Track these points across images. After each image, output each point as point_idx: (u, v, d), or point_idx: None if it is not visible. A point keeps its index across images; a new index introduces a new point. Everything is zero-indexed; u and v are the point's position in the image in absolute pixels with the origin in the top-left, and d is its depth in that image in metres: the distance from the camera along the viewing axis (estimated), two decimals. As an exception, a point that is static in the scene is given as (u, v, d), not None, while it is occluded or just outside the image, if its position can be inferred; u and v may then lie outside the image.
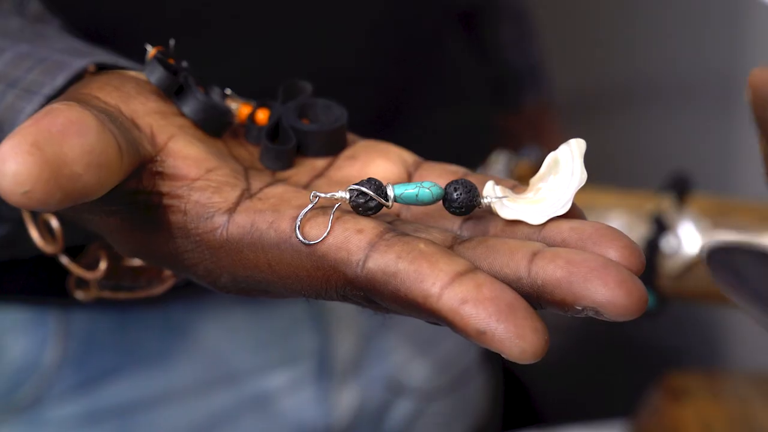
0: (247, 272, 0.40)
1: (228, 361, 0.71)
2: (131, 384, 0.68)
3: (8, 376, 0.65)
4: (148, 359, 0.68)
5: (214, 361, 0.70)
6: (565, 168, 0.41)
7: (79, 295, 0.52)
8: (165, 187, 0.41)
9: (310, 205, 0.39)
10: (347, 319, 0.74)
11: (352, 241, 0.38)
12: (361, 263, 0.37)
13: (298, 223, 0.39)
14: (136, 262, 0.50)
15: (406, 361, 0.79)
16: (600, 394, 1.39)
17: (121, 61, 0.47)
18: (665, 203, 0.89)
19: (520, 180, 0.61)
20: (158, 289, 0.51)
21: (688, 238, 0.88)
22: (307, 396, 0.74)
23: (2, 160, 0.35)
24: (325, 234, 0.38)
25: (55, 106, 0.37)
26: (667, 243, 0.88)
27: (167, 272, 0.51)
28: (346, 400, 0.75)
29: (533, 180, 0.42)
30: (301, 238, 0.38)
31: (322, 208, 0.40)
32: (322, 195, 0.39)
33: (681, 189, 0.89)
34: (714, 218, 0.91)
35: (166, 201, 0.41)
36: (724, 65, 1.36)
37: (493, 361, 0.92)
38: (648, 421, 0.97)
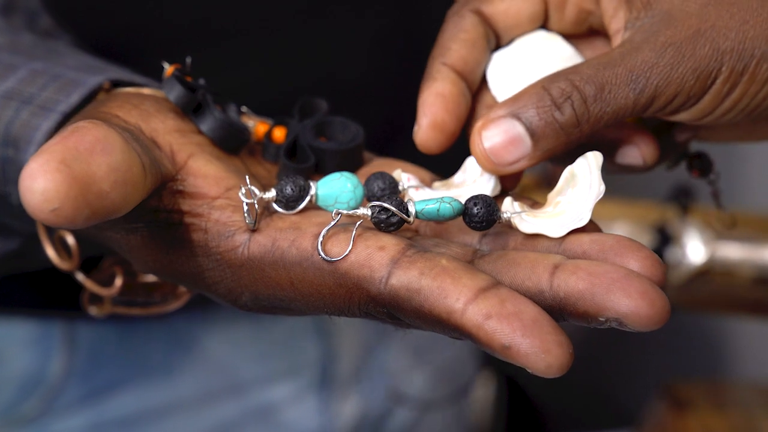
0: (269, 290, 0.40)
1: (232, 373, 0.71)
2: (136, 396, 0.68)
3: (14, 389, 0.64)
4: (153, 371, 0.68)
5: (218, 372, 0.70)
6: (582, 181, 0.41)
7: (93, 310, 0.51)
8: (185, 205, 0.41)
9: (332, 222, 0.39)
10: (349, 330, 0.74)
11: (374, 258, 0.38)
12: (384, 280, 0.37)
13: (320, 240, 0.39)
14: (150, 277, 0.50)
15: (407, 371, 0.78)
16: (604, 405, 1.39)
17: (136, 78, 0.47)
18: (669, 214, 0.90)
19: (522, 189, 0.61)
20: (173, 306, 0.50)
21: (692, 249, 0.88)
22: (309, 406, 0.73)
23: (31, 178, 0.35)
24: (348, 251, 0.38)
25: (81, 124, 0.37)
26: (671, 253, 0.88)
27: (181, 288, 0.51)
28: (348, 409, 0.75)
29: (551, 195, 0.42)
30: (323, 256, 0.38)
31: (343, 226, 0.39)
32: (345, 212, 0.39)
33: (685, 200, 0.89)
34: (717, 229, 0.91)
35: (187, 219, 0.41)
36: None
37: (496, 371, 0.92)
38: None
